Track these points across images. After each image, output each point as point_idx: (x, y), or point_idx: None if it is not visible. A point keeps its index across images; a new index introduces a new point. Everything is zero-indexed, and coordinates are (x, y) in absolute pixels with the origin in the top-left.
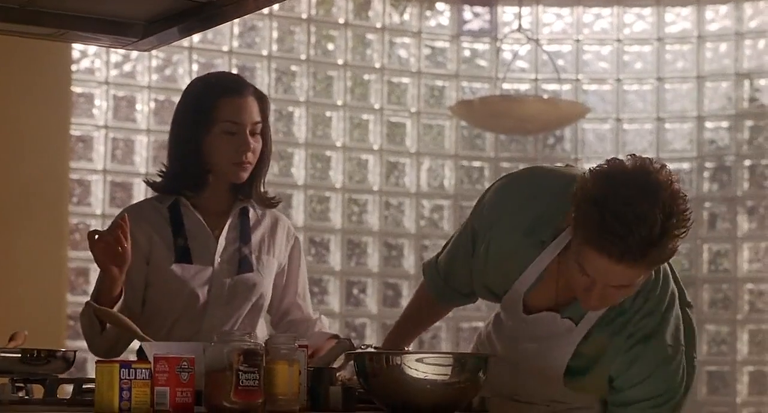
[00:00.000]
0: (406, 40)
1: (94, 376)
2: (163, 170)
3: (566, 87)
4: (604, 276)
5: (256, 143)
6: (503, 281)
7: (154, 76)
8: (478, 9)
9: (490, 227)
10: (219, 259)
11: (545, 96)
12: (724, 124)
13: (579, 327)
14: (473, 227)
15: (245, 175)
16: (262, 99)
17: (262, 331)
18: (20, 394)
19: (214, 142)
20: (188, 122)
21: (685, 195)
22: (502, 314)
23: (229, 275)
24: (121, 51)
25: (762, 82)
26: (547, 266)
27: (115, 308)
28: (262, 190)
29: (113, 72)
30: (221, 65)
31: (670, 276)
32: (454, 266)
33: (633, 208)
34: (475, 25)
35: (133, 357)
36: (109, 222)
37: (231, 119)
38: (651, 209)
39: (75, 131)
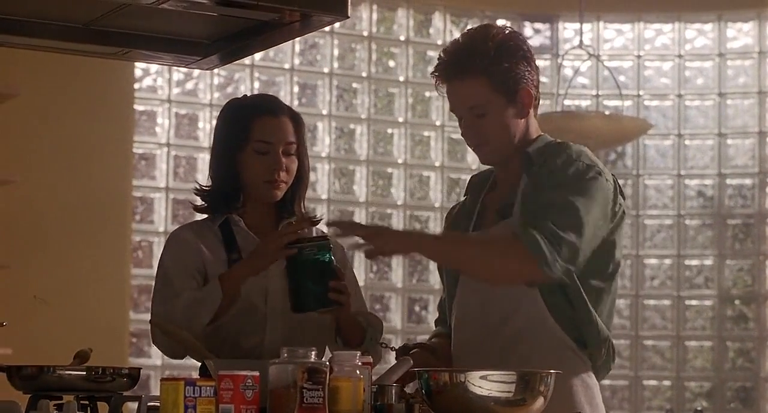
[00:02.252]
0: None
1: (158, 394)
2: (197, 189)
3: (627, 103)
4: (454, 105)
5: (289, 163)
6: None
7: (216, 94)
8: (539, 25)
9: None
10: (273, 271)
11: (607, 112)
12: None
13: (513, 214)
14: None
15: (278, 193)
16: (297, 120)
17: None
18: (85, 412)
19: (247, 161)
20: (223, 142)
21: (513, 35)
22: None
23: (283, 288)
24: (183, 69)
25: None
26: (482, 201)
27: None
28: (303, 209)
29: (175, 90)
30: (283, 83)
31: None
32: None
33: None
34: (535, 41)
35: (195, 374)
36: None
37: (263, 138)
38: (454, 39)
39: (137, 149)
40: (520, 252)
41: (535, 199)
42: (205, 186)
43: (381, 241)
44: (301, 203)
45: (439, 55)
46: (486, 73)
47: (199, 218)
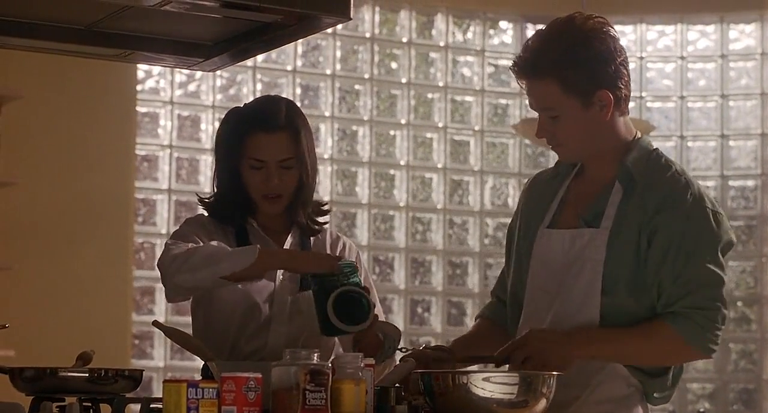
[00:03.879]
0: (470, 58)
1: (161, 395)
2: (201, 199)
3: (630, 104)
4: (530, 103)
5: (286, 176)
6: (535, 225)
7: (219, 96)
8: (541, 27)
9: (523, 198)
10: (281, 276)
11: None
12: None
13: (602, 226)
14: (511, 226)
15: (275, 207)
16: (295, 131)
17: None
18: None
19: (244, 174)
20: (224, 153)
21: (596, 30)
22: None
23: (291, 293)
24: (186, 71)
25: None
26: (567, 190)
27: None
28: (309, 217)
29: (178, 92)
30: (285, 85)
31: (684, 177)
32: (503, 273)
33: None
34: None
35: (200, 377)
36: None
37: (254, 156)
38: (537, 32)
39: (140, 151)
40: (682, 348)
41: (665, 265)
42: (206, 197)
43: (534, 352)
44: (304, 212)
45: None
46: (557, 76)
47: None
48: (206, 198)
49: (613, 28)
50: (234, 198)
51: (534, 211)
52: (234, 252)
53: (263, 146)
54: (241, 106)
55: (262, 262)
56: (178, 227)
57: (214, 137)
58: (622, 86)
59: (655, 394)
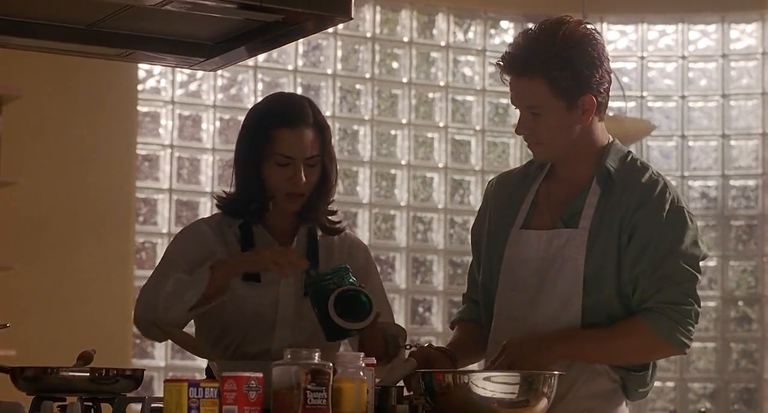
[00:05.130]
0: (471, 58)
1: (161, 395)
2: (219, 197)
3: (631, 104)
4: (513, 99)
5: (311, 174)
6: (506, 226)
7: (220, 96)
8: None
9: (490, 199)
10: (286, 281)
11: (610, 113)
12: None
13: (580, 226)
14: (476, 227)
15: (296, 206)
16: (320, 128)
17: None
18: None
19: (268, 171)
20: (246, 150)
21: (588, 35)
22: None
23: (296, 297)
24: (187, 71)
25: None
26: (537, 192)
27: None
28: (326, 216)
29: (179, 91)
30: (286, 84)
31: (661, 178)
32: (473, 274)
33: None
34: None
35: (200, 376)
36: None
37: (282, 152)
38: (526, 31)
39: (141, 151)
40: (659, 345)
41: (641, 261)
42: (224, 195)
43: (516, 360)
44: (322, 211)
45: (509, 44)
46: (547, 77)
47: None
48: (224, 196)
49: (600, 34)
50: (253, 196)
51: (504, 212)
52: (189, 281)
53: (291, 143)
54: (261, 103)
55: (217, 280)
56: (172, 239)
57: (237, 135)
58: (604, 92)
59: (639, 390)
